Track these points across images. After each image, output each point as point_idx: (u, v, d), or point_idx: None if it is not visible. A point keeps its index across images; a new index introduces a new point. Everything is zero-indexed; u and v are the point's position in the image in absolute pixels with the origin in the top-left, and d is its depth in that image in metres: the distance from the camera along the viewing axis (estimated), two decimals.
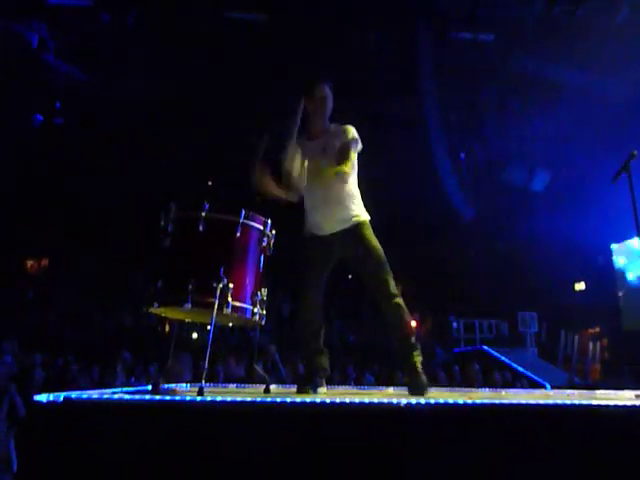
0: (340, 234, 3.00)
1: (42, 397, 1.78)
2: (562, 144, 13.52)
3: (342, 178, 2.97)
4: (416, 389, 2.72)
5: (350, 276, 3.00)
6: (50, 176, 13.49)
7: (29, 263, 16.57)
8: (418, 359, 2.86)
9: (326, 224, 3.03)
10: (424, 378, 2.78)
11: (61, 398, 1.78)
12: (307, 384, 2.91)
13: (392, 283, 2.91)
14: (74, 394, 1.90)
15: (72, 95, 12.11)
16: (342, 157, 2.79)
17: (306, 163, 3.05)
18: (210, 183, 14.03)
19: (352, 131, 3.00)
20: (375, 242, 2.99)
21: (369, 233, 3.01)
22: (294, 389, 3.33)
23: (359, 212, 3.04)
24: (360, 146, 2.98)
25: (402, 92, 12.34)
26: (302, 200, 3.14)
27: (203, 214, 2.46)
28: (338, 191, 3.00)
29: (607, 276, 15.69)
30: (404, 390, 2.94)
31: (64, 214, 14.23)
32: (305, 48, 11.33)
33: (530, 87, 13.06)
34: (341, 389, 3.79)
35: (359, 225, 3.01)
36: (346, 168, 2.84)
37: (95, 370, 6.91)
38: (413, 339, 2.91)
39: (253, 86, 12.02)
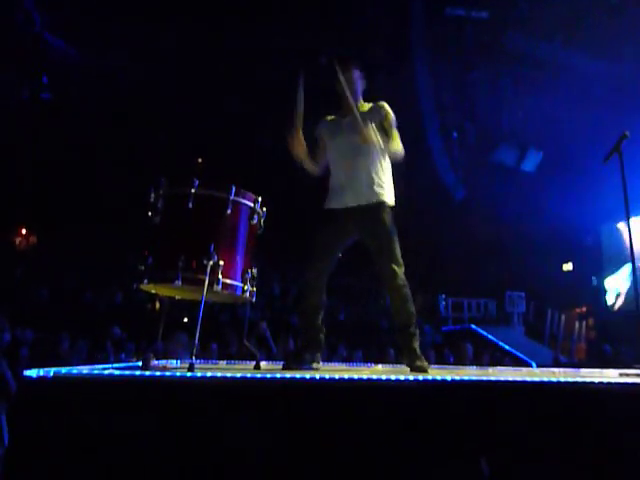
0: (359, 211, 2.97)
1: (32, 372, 1.77)
2: (554, 123, 13.51)
3: (372, 152, 2.97)
4: (417, 371, 2.73)
5: (340, 254, 2.93)
6: (38, 151, 13.29)
7: (17, 239, 16.43)
8: (417, 344, 2.88)
9: (347, 196, 3.01)
10: (424, 361, 2.80)
11: (51, 373, 1.78)
12: (295, 361, 2.89)
13: (399, 274, 2.88)
14: (64, 369, 1.90)
15: (60, 69, 11.87)
16: (393, 133, 3.00)
17: (336, 140, 3.09)
18: (200, 160, 13.92)
19: (388, 107, 3.08)
20: (389, 229, 2.93)
21: (386, 218, 2.95)
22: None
23: (384, 193, 2.99)
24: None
25: (395, 68, 12.23)
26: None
27: (193, 191, 2.44)
28: (366, 165, 2.98)
29: (595, 256, 15.88)
30: (393, 367, 2.98)
31: (53, 190, 14.07)
32: (300, 24, 11.17)
33: (523, 66, 12.99)
34: (331, 366, 3.82)
35: (379, 205, 2.96)
36: (400, 146, 2.98)
37: (85, 346, 6.91)
38: (413, 327, 2.91)
39: (247, 62, 11.85)
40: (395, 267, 2.88)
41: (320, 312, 3.03)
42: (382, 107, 3.07)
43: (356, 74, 3.12)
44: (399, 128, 3.07)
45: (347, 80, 3.04)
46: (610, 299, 15.43)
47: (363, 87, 3.18)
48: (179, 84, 12.28)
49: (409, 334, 2.90)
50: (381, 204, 2.96)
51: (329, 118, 3.21)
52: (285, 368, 2.78)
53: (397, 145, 2.99)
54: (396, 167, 3.14)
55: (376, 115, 3.04)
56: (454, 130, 14.13)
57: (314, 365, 2.93)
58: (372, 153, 2.98)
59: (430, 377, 2.01)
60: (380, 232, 2.92)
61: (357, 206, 2.96)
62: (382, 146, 2.95)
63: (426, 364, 2.78)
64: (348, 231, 3.03)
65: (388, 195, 3.01)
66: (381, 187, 2.98)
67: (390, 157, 3.05)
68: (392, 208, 3.03)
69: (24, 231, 16.60)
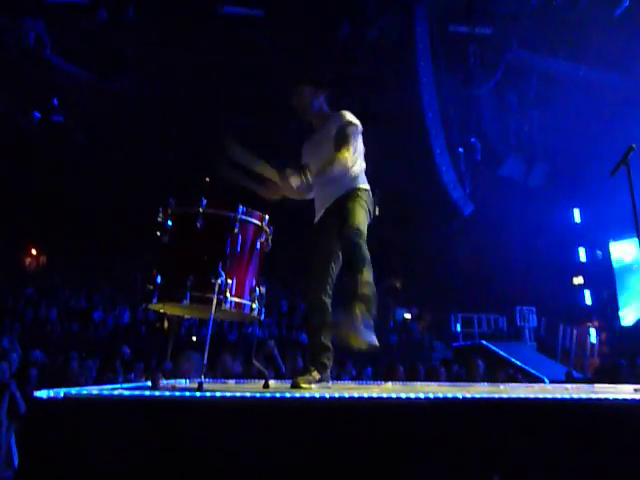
0: (330, 208, 2.99)
1: (42, 393, 1.77)
2: (560, 137, 13.52)
3: (342, 164, 2.86)
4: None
5: (339, 261, 2.88)
6: (49, 173, 13.47)
7: (27, 260, 16.57)
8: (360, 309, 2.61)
9: (321, 203, 3.06)
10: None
11: (61, 394, 1.78)
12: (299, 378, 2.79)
13: (358, 254, 2.69)
14: (74, 390, 1.90)
15: (70, 92, 12.07)
16: (339, 142, 2.85)
17: (309, 158, 3.10)
18: (208, 179, 14.00)
19: (346, 115, 3.00)
20: (356, 207, 2.85)
21: (352, 202, 2.87)
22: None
23: (350, 181, 2.97)
24: (359, 128, 2.99)
25: (401, 86, 12.33)
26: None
27: (201, 210, 2.46)
28: (335, 172, 2.89)
29: (605, 270, 15.74)
30: (403, 384, 2.94)
31: (62, 211, 14.22)
32: (304, 44, 11.31)
33: (528, 80, 13.06)
34: (340, 384, 3.80)
35: (345, 193, 2.94)
36: (347, 154, 2.83)
37: (94, 366, 6.92)
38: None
39: (252, 81, 11.99)
40: (352, 231, 2.74)
41: (323, 331, 2.95)
42: (341, 116, 3.01)
43: (306, 91, 3.09)
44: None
45: (297, 99, 3.10)
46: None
47: (319, 100, 3.11)
48: (187, 104, 12.44)
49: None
50: (347, 192, 2.94)
51: (309, 139, 3.23)
52: (293, 386, 2.75)
53: (341, 155, 2.82)
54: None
55: (333, 124, 2.99)
56: (460, 145, 14.15)
57: (322, 384, 2.88)
58: (343, 162, 2.88)
59: (441, 395, 1.99)
60: (344, 212, 2.85)
61: (329, 206, 3.00)
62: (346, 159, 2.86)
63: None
64: (330, 234, 2.93)
65: (354, 182, 2.98)
66: (349, 178, 2.96)
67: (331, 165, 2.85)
68: (367, 191, 3.01)
69: (34, 252, 16.74)
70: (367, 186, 3.05)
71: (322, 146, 3.01)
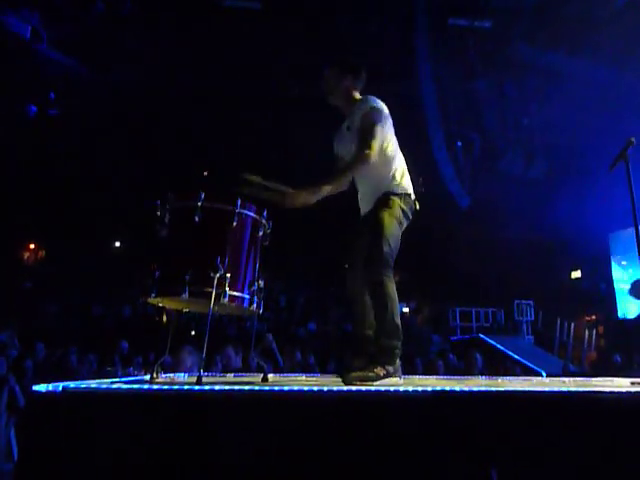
0: (366, 215, 2.92)
1: (41, 387, 1.78)
2: (560, 132, 13.50)
3: (366, 161, 2.73)
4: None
5: (347, 265, 2.82)
6: (46, 167, 13.42)
7: (26, 254, 16.55)
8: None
9: (361, 205, 2.98)
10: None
11: (60, 388, 1.79)
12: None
13: (380, 262, 2.61)
14: (72, 384, 1.90)
15: (67, 85, 12.01)
16: (361, 137, 2.74)
17: (340, 149, 3.00)
18: (206, 173, 14.01)
19: (369, 101, 2.85)
20: (386, 218, 2.69)
21: (384, 208, 2.74)
22: (291, 377, 3.36)
23: (386, 182, 2.82)
24: (383, 113, 2.82)
25: (400, 79, 12.29)
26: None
27: (199, 204, 2.46)
28: (366, 171, 2.81)
29: (603, 264, 15.77)
30: (405, 378, 2.90)
31: (61, 205, 14.19)
32: (302, 36, 11.27)
33: (528, 74, 13.02)
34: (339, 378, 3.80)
35: (380, 198, 2.81)
36: (369, 150, 2.68)
37: (94, 360, 6.93)
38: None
39: (251, 74, 11.95)
40: (379, 256, 2.60)
41: (361, 322, 2.85)
42: (363, 101, 2.87)
43: (333, 73, 2.98)
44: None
45: (324, 80, 2.99)
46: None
47: (346, 84, 2.97)
48: (186, 98, 12.39)
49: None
50: (381, 198, 2.81)
51: (338, 127, 3.07)
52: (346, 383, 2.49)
53: (363, 152, 2.70)
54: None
55: (357, 111, 2.85)
56: (459, 139, 14.14)
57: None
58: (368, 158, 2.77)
59: (439, 388, 2.00)
60: (373, 220, 2.75)
61: (368, 212, 2.91)
62: (378, 146, 2.76)
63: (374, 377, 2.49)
64: (365, 237, 2.83)
65: (389, 187, 2.82)
66: (384, 183, 2.83)
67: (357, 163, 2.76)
68: (403, 196, 2.82)
69: (32, 246, 16.72)
70: (404, 189, 2.85)
71: (346, 137, 2.91)
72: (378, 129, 2.75)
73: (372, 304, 2.70)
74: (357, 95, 2.98)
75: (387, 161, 2.85)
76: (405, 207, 2.80)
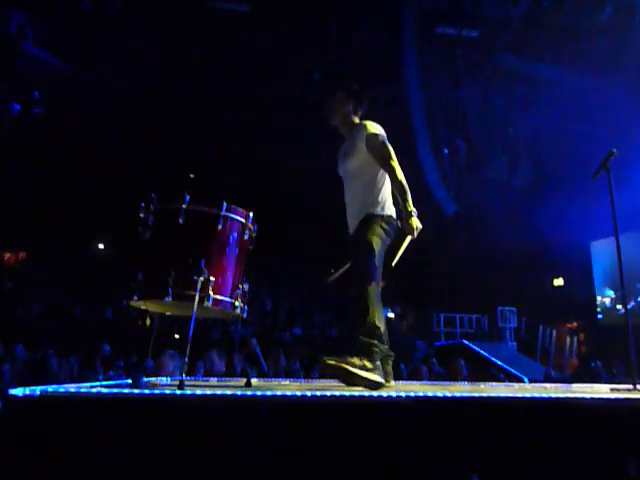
0: (353, 233, 3.02)
1: (18, 391, 1.74)
2: (544, 141, 13.67)
3: (364, 175, 2.98)
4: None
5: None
6: (27, 167, 13.24)
7: (6, 255, 16.29)
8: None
9: (349, 222, 3.08)
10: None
11: (37, 392, 1.75)
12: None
13: (364, 278, 2.71)
14: (51, 388, 1.87)
15: (51, 84, 11.88)
16: (380, 160, 2.92)
17: (340, 167, 3.17)
18: (192, 176, 13.90)
19: (369, 127, 2.98)
20: (368, 236, 2.82)
21: (367, 226, 2.86)
22: (275, 382, 3.34)
23: (369, 205, 2.94)
24: (384, 137, 2.98)
25: (387, 86, 12.36)
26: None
27: (184, 206, 2.44)
28: (356, 188, 3.02)
29: (585, 272, 15.98)
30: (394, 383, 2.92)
31: (43, 205, 14.00)
32: (289, 45, 11.29)
33: (513, 83, 13.18)
34: (323, 382, 3.79)
35: (363, 218, 2.93)
36: (395, 165, 2.88)
37: (75, 363, 6.83)
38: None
39: (239, 76, 11.92)
40: (362, 285, 2.71)
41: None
42: (363, 127, 3.01)
43: (337, 97, 3.15)
44: (390, 142, 3.01)
45: (328, 104, 3.16)
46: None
47: (348, 108, 3.14)
48: (172, 98, 12.32)
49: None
50: (365, 217, 2.92)
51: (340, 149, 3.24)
52: (321, 369, 2.65)
53: (395, 175, 2.88)
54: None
55: (356, 135, 3.01)
56: (445, 147, 14.24)
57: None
58: (369, 175, 2.98)
59: (422, 393, 2.00)
60: (356, 238, 2.90)
61: (354, 228, 3.00)
62: (369, 168, 2.96)
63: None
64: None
65: (374, 206, 2.95)
66: (370, 201, 2.95)
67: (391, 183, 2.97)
68: (385, 217, 2.95)
69: (14, 247, 16.45)
70: (389, 212, 2.98)
71: (345, 160, 3.06)
72: (388, 151, 2.93)
73: (355, 312, 2.74)
74: (356, 120, 3.15)
75: (377, 183, 3.00)
76: (387, 227, 2.92)
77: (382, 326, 2.71)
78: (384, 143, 2.94)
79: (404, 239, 2.93)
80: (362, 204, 2.96)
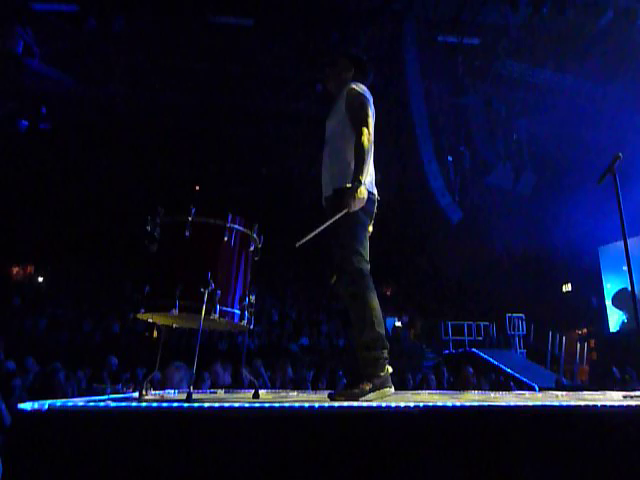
0: (327, 199, 2.80)
1: (26, 405, 1.74)
2: (549, 146, 13.66)
3: (343, 137, 2.73)
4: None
5: (333, 277, 2.73)
6: (35, 182, 13.35)
7: (15, 270, 16.38)
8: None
9: (323, 187, 2.86)
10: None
11: (46, 406, 1.75)
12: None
13: (352, 274, 2.56)
14: (59, 402, 1.86)
15: (58, 100, 12.01)
16: (353, 124, 2.70)
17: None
18: (197, 188, 13.99)
19: (351, 89, 2.81)
20: (347, 224, 2.58)
21: (340, 203, 2.57)
22: (283, 393, 3.33)
23: (344, 176, 2.65)
24: (367, 98, 2.78)
25: (389, 94, 12.41)
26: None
27: (190, 218, 2.44)
28: (331, 150, 2.80)
29: (594, 278, 15.87)
30: (397, 393, 2.88)
31: (50, 220, 14.10)
32: (293, 53, 11.37)
33: (516, 89, 13.20)
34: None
35: (336, 191, 2.69)
36: (365, 135, 2.62)
37: (83, 377, 6.84)
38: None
39: (242, 90, 12.01)
40: (348, 259, 2.55)
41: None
42: (346, 89, 2.83)
43: (340, 62, 3.01)
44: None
45: (330, 67, 3.02)
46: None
47: (348, 75, 2.98)
48: (177, 113, 12.42)
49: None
50: (336, 191, 2.69)
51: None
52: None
53: (359, 138, 2.63)
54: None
55: (341, 99, 2.84)
56: (449, 154, 14.26)
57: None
58: (343, 138, 2.74)
59: (431, 404, 1.98)
60: (336, 229, 2.60)
61: (326, 196, 2.81)
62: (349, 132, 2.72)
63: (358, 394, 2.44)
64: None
65: (346, 179, 2.63)
66: (342, 172, 2.69)
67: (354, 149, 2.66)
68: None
69: (22, 262, 16.54)
70: (367, 186, 2.65)
71: (328, 123, 2.90)
72: (366, 115, 2.71)
73: (351, 317, 2.64)
74: (346, 84, 2.95)
75: (352, 149, 2.70)
76: (365, 205, 2.62)
77: (382, 330, 2.59)
78: (362, 104, 2.74)
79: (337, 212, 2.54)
80: (336, 170, 2.73)
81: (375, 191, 2.78)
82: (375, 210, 2.77)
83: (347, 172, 2.64)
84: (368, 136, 2.65)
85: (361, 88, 2.84)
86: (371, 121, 2.73)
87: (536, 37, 11.59)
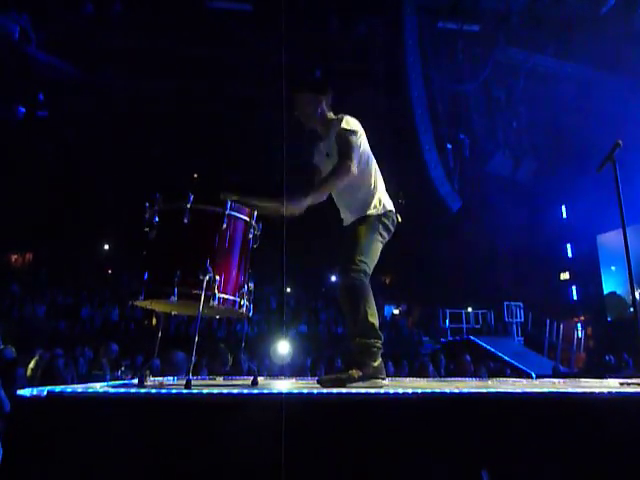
0: (348, 227, 2.92)
1: (25, 391, 1.75)
2: (548, 134, 13.62)
3: (343, 175, 2.73)
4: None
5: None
6: (34, 169, 13.30)
7: (13, 257, 16.38)
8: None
9: (343, 216, 2.99)
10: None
11: (45, 392, 1.76)
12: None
13: (352, 269, 2.61)
14: (58, 388, 1.87)
15: (55, 87, 11.92)
16: (339, 154, 2.72)
17: (321, 166, 2.98)
18: (195, 175, 13.94)
19: (343, 122, 2.79)
20: (364, 230, 2.72)
21: (362, 228, 2.75)
22: (282, 380, 3.35)
23: (363, 207, 2.82)
24: (357, 134, 2.78)
25: (389, 82, 12.34)
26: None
27: (188, 205, 2.43)
28: (345, 190, 2.84)
29: (592, 265, 15.91)
30: (391, 380, 2.91)
31: (49, 207, 14.06)
32: (292, 40, 11.26)
33: (516, 77, 13.14)
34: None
35: (357, 220, 2.83)
36: (345, 166, 2.69)
37: (84, 363, 6.87)
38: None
39: (241, 76, 11.94)
40: (350, 273, 2.62)
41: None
42: (338, 122, 2.81)
43: (306, 99, 2.89)
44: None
45: (298, 108, 2.91)
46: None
47: (321, 106, 2.90)
48: (175, 100, 12.34)
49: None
50: (359, 219, 2.82)
51: (317, 145, 3.05)
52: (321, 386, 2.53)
53: (344, 160, 2.70)
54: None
55: (333, 131, 2.82)
56: (449, 141, 14.19)
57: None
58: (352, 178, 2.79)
59: (429, 390, 1.99)
60: (349, 238, 2.77)
61: (350, 223, 2.91)
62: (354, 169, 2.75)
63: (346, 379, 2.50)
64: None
65: (366, 207, 2.82)
66: (362, 202, 2.83)
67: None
68: (380, 215, 2.82)
69: (20, 249, 16.54)
70: (385, 208, 2.84)
71: (329, 160, 2.87)
72: (352, 151, 2.73)
73: (344, 309, 2.69)
74: (331, 115, 2.92)
75: (367, 183, 2.85)
76: (386, 221, 2.81)
77: (376, 321, 2.63)
78: (347, 140, 2.74)
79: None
80: (357, 205, 2.84)
81: (392, 209, 2.89)
82: (393, 230, 2.88)
83: (368, 202, 2.81)
84: (342, 175, 2.69)
85: (349, 122, 2.79)
86: (355, 155, 2.72)
87: (536, 24, 11.50)
